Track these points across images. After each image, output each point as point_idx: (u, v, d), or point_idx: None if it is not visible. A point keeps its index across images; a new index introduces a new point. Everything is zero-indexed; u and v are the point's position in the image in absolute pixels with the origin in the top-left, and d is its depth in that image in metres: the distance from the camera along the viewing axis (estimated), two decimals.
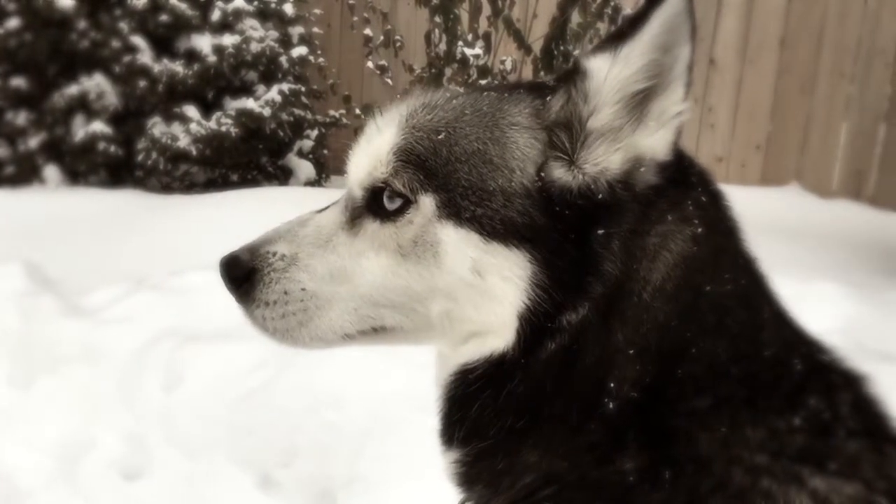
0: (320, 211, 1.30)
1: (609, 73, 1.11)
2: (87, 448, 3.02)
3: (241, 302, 1.27)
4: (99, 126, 6.72)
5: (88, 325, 3.60)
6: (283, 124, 7.25)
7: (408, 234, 1.16)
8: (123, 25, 6.85)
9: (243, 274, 1.25)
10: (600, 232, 1.10)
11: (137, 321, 3.60)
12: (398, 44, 5.99)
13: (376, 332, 1.24)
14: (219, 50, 6.97)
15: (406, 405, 2.87)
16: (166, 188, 6.89)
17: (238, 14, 7.15)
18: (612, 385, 1.06)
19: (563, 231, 1.11)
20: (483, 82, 5.26)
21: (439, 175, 1.15)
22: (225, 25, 7.12)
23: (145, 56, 6.88)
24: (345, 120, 7.42)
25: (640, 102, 1.12)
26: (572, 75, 1.15)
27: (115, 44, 6.80)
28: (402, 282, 1.18)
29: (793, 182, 6.98)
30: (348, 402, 2.92)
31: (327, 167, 7.98)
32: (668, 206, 1.12)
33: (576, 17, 5.40)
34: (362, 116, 5.86)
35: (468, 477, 1.17)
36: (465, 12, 5.69)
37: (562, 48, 5.40)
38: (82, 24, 6.76)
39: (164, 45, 7.05)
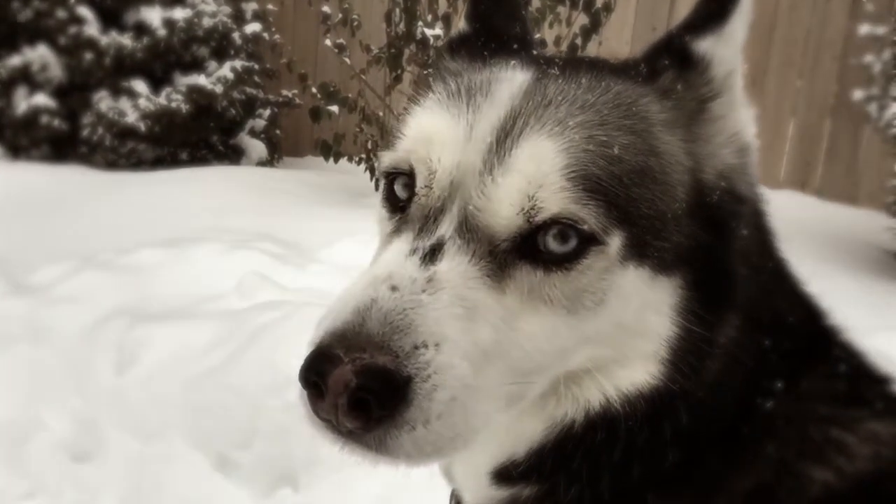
0: (428, 259, 0.90)
1: (722, 56, 1.01)
2: (34, 429, 2.90)
3: (365, 432, 0.84)
4: (42, 99, 6.50)
5: (35, 303, 3.48)
6: (235, 102, 7.09)
7: (580, 283, 0.91)
8: None
9: (399, 390, 0.82)
10: (744, 233, 1.00)
11: (86, 300, 3.49)
12: (355, 23, 5.90)
13: (510, 405, 0.94)
14: (169, 24, 6.77)
15: None
16: (112, 165, 6.68)
17: None
18: (776, 385, 1.00)
19: (718, 244, 0.97)
20: None
21: (620, 204, 0.90)
22: None
23: (92, 28, 6.65)
24: (298, 100, 7.30)
25: (728, 84, 1.04)
26: (685, 61, 1.01)
27: (61, 14, 6.57)
28: (562, 341, 0.92)
29: None
30: None
31: (280, 147, 7.84)
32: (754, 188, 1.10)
33: (535, 2, 5.38)
34: (318, 96, 5.77)
35: None
36: None
37: None
38: None
39: (111, 16, 6.82)
